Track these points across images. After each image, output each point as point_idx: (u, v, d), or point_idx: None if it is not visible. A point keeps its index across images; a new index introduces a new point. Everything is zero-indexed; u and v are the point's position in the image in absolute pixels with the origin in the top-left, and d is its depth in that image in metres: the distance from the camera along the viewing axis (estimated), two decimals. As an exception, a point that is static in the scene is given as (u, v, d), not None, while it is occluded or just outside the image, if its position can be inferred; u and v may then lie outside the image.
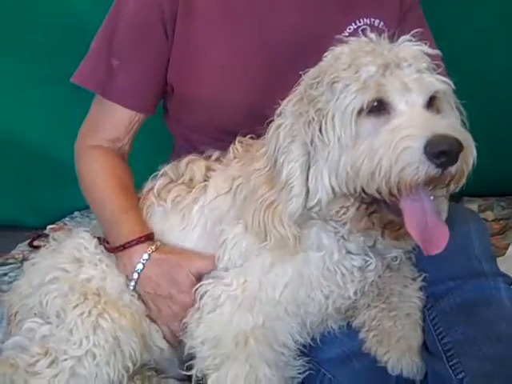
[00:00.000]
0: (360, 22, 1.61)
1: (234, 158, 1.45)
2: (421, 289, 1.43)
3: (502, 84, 2.38)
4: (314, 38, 1.53)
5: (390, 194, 1.16)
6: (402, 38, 1.26)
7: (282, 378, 1.37)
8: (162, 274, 1.45)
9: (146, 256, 1.46)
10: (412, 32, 1.26)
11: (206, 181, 1.46)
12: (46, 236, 1.70)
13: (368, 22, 1.61)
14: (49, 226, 2.28)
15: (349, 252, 1.33)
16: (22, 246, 2.21)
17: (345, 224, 1.28)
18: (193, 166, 1.50)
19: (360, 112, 1.19)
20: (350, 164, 1.18)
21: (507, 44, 2.32)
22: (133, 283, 1.47)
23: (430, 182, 1.15)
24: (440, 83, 1.22)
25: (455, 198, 2.54)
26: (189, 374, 1.42)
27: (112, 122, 1.63)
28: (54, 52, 2.20)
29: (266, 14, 1.59)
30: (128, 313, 1.45)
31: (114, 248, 1.50)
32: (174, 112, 1.73)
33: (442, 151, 1.10)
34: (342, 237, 1.31)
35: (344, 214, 1.26)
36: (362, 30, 1.55)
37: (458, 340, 1.34)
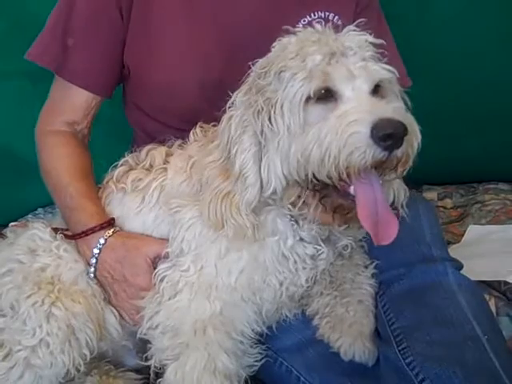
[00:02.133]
0: (314, 15, 1.63)
1: (194, 141, 1.47)
2: (373, 276, 1.46)
3: (462, 74, 2.40)
4: (269, 29, 1.53)
5: (340, 178, 1.18)
6: (347, 27, 1.28)
7: (239, 366, 1.39)
8: (118, 257, 1.45)
9: (102, 241, 1.47)
10: (357, 22, 1.29)
11: (165, 164, 1.48)
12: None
13: (322, 16, 1.63)
14: (11, 224, 2.26)
15: (301, 239, 1.35)
16: (-18, 244, 2.19)
17: (300, 210, 1.29)
18: (153, 152, 1.51)
19: (308, 100, 1.21)
20: (300, 151, 1.20)
21: (466, 31, 2.35)
22: (92, 269, 1.48)
23: (378, 166, 1.17)
24: (385, 71, 1.24)
25: (416, 186, 2.60)
26: (147, 364, 1.42)
27: (69, 105, 1.65)
28: (11, 47, 2.18)
29: (222, 4, 1.60)
30: (82, 299, 1.45)
31: (74, 235, 1.50)
32: (132, 97, 1.73)
33: (387, 134, 1.12)
34: (297, 222, 1.33)
35: (298, 200, 1.28)
36: (316, 23, 1.59)
37: (406, 325, 1.37)
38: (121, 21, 1.59)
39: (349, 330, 1.40)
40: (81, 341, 1.43)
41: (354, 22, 1.62)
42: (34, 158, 2.36)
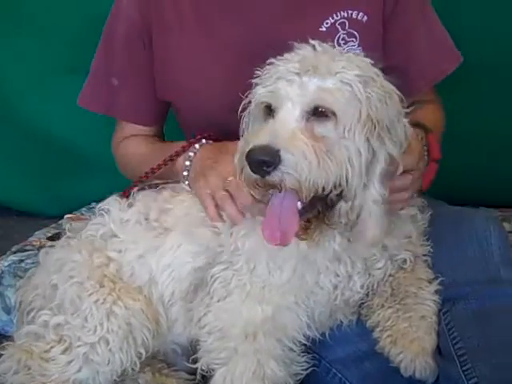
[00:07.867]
0: (337, 16, 1.59)
1: None
2: (436, 292, 1.42)
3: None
4: (291, 37, 1.51)
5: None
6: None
7: (287, 373, 1.39)
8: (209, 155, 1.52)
9: (191, 154, 1.54)
10: None
11: None
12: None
13: (345, 15, 1.59)
14: (66, 215, 2.30)
15: (350, 240, 1.34)
16: (40, 234, 2.22)
17: None
18: None
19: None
20: None
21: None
22: (185, 173, 1.53)
23: (256, 184, 1.23)
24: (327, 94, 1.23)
25: (473, 207, 2.52)
26: (194, 366, 1.43)
27: (129, 129, 1.77)
28: (80, 42, 2.21)
29: (240, 18, 1.61)
30: (141, 296, 1.47)
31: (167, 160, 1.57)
32: (176, 115, 1.80)
33: (252, 160, 1.19)
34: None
35: None
36: (340, 24, 1.57)
37: (472, 346, 1.34)
38: (147, 54, 1.67)
39: (410, 346, 1.36)
40: (137, 340, 1.44)
41: (383, 16, 1.60)
42: (92, 153, 2.39)
